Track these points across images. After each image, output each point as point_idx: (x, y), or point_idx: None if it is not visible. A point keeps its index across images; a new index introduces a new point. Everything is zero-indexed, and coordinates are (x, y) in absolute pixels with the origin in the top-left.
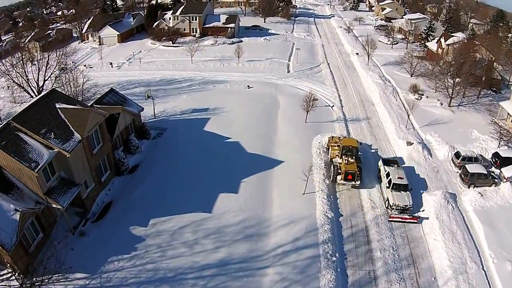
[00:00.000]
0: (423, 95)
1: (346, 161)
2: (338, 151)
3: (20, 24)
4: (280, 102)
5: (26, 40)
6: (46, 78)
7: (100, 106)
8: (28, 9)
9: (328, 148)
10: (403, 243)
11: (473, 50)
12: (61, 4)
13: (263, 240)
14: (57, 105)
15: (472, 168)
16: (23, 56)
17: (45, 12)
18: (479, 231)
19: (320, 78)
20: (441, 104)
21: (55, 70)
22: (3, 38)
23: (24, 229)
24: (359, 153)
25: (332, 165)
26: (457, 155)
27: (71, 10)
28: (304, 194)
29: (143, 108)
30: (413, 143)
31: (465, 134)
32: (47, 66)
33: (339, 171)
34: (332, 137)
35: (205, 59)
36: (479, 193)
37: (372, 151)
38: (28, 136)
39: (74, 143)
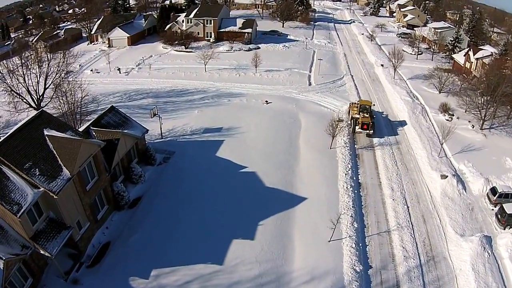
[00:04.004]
0: (453, 115)
1: (363, 116)
2: (357, 111)
3: (31, 21)
4: (301, 121)
5: (34, 40)
6: (46, 86)
7: (97, 129)
8: (40, 5)
9: (349, 111)
10: None
11: (505, 67)
12: (74, 2)
13: None
14: (46, 132)
15: (510, 208)
16: (23, 60)
17: (57, 9)
18: None
19: (344, 93)
20: (473, 127)
21: (56, 78)
22: (12, 36)
23: (10, 277)
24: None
25: (352, 120)
26: (493, 191)
27: (82, 9)
28: (330, 241)
29: (147, 130)
30: (447, 176)
31: (499, 163)
32: (47, 73)
33: (357, 123)
34: (353, 103)
35: (220, 67)
36: None
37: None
38: (11, 170)
39: (62, 181)
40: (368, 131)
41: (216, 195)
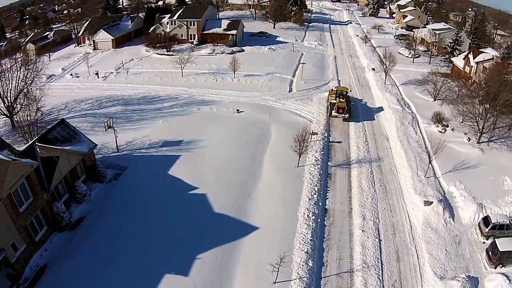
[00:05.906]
0: (447, 126)
1: (339, 101)
2: (334, 96)
3: (27, 22)
4: (272, 134)
5: (24, 42)
6: (17, 94)
7: (42, 145)
8: (41, 5)
9: (328, 98)
10: None
11: (507, 72)
12: (72, 2)
13: None
14: None
15: (503, 245)
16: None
17: (57, 8)
18: None
19: (326, 100)
20: (469, 140)
21: (24, 86)
22: (9, 36)
23: None
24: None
25: (329, 104)
26: (486, 221)
27: (77, 9)
28: (275, 283)
29: (95, 145)
30: (432, 202)
31: (496, 184)
32: (17, 81)
33: (333, 107)
34: (332, 89)
35: (198, 71)
36: (507, 276)
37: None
38: None
39: None
40: (343, 115)
41: (158, 220)
